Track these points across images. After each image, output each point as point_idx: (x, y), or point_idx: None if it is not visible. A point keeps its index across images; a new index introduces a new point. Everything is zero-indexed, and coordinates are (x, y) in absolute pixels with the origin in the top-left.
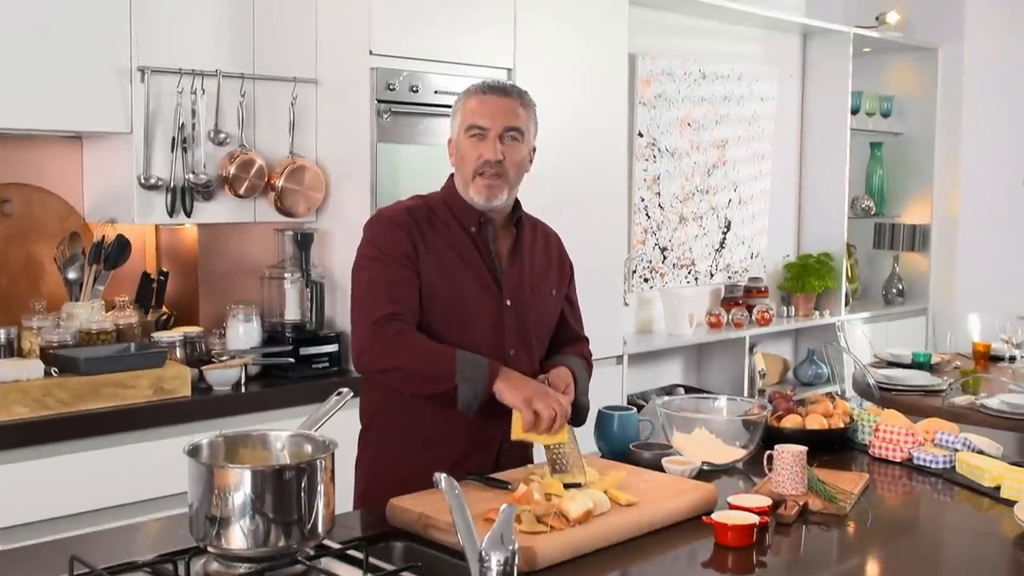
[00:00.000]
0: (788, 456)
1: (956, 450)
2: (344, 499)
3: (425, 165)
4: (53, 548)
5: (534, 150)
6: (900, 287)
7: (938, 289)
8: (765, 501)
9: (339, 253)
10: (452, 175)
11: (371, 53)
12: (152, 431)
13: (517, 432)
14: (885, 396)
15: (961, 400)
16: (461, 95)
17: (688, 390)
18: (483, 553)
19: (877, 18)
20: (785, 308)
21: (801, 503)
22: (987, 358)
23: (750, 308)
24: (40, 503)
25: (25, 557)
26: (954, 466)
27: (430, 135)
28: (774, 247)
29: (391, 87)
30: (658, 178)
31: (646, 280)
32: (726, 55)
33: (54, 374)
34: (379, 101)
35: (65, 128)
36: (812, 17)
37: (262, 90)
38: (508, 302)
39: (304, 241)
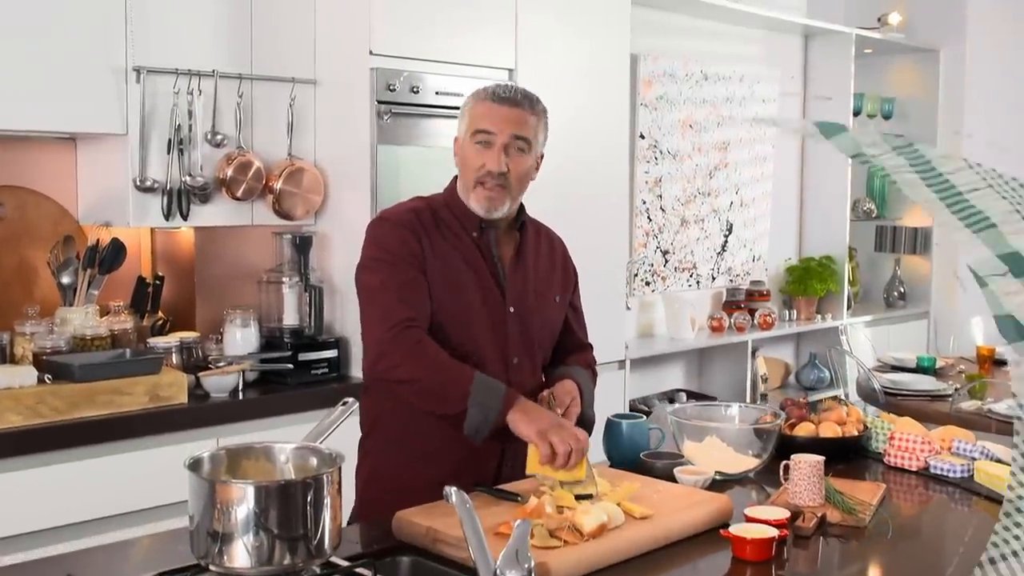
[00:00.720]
0: (805, 466)
1: (974, 459)
2: (344, 508)
3: (426, 167)
4: (48, 564)
5: (541, 157)
6: (901, 290)
7: (940, 292)
8: (783, 513)
9: (338, 257)
10: (455, 177)
11: (371, 53)
12: (148, 439)
13: (533, 466)
14: (890, 401)
15: (968, 405)
16: (471, 96)
17: (690, 395)
18: (498, 571)
19: (879, 19)
20: (787, 312)
21: (819, 515)
22: (992, 362)
23: (752, 312)
24: (34, 513)
25: (20, 574)
26: (972, 475)
27: (431, 136)
28: (776, 250)
29: (391, 88)
30: (660, 180)
31: (648, 283)
32: (728, 56)
33: (48, 381)
34: (379, 102)
35: (59, 129)
36: (813, 18)
37: (260, 91)
38: (511, 309)
39: (303, 244)
